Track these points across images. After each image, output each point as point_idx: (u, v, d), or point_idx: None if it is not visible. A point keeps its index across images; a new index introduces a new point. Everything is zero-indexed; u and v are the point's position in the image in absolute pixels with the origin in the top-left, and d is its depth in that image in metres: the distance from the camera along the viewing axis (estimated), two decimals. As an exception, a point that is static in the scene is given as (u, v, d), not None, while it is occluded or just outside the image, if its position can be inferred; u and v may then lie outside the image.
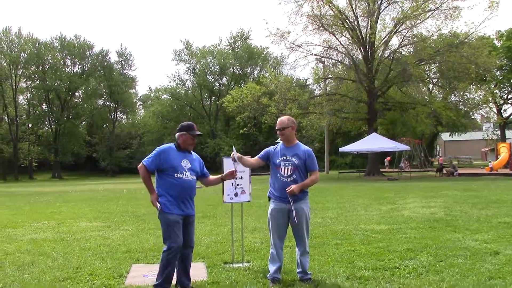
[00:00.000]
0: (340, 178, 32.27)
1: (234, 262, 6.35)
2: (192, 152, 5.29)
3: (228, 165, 6.15)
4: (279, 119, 5.46)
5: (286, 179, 5.23)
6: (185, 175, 5.00)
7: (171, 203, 4.93)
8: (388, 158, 46.33)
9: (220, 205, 12.87)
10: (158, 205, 4.93)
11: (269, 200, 5.43)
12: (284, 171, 5.25)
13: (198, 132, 5.20)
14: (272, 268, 5.33)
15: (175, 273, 5.10)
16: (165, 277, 4.88)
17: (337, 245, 7.31)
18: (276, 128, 5.42)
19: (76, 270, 6.18)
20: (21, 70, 62.46)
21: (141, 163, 5.03)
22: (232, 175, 5.37)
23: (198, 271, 5.87)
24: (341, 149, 34.36)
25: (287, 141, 5.37)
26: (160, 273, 4.90)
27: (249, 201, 6.44)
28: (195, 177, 5.16)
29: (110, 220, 11.63)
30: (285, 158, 5.27)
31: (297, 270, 5.37)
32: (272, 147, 5.54)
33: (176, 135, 5.18)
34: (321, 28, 34.20)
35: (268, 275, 5.35)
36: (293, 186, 5.11)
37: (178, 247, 4.89)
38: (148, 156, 5.05)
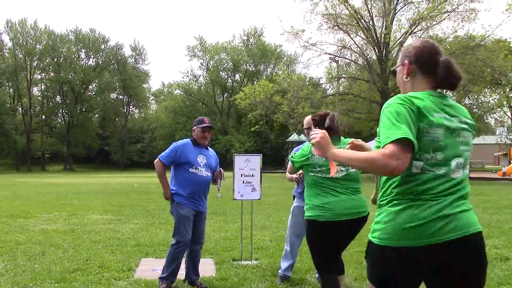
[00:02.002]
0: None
1: (242, 259, 6.36)
2: (209, 148, 5.33)
3: (238, 163, 6.18)
4: (307, 118, 5.34)
5: None
6: (200, 171, 5.03)
7: (184, 198, 4.96)
8: None
9: (230, 202, 12.89)
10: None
11: (294, 199, 5.48)
12: None
13: (206, 124, 5.14)
14: (284, 265, 5.36)
15: (183, 268, 5.14)
16: (171, 271, 4.92)
17: (346, 245, 7.31)
18: (305, 127, 5.26)
19: (86, 262, 6.23)
20: (36, 62, 63.11)
21: (157, 158, 5.07)
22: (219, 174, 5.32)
23: (206, 266, 5.90)
24: (352, 150, 34.21)
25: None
26: (166, 266, 4.94)
27: (259, 198, 6.45)
28: (210, 174, 5.17)
29: (120, 214, 11.71)
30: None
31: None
32: (298, 147, 5.23)
33: (192, 130, 5.25)
34: (336, 27, 34.04)
35: (279, 271, 5.39)
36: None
37: (186, 242, 4.93)
38: (164, 152, 5.09)
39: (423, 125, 2.01)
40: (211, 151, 5.35)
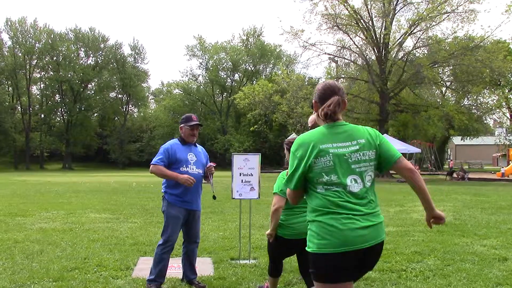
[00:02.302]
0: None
1: (241, 259, 6.36)
2: (197, 145, 5.26)
3: (237, 162, 6.18)
4: (311, 117, 5.35)
5: None
6: (191, 169, 4.96)
7: (177, 197, 4.92)
8: None
9: (228, 201, 12.90)
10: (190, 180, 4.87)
11: None
12: None
13: (194, 122, 5.06)
14: None
15: (173, 268, 5.12)
16: (159, 271, 4.90)
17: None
18: (310, 126, 5.30)
19: (84, 260, 6.23)
20: (35, 61, 63.08)
21: (151, 165, 4.93)
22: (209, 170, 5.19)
23: (205, 266, 5.90)
24: (351, 150, 34.19)
25: None
26: (153, 267, 4.91)
27: (257, 198, 6.44)
28: (201, 171, 5.09)
29: (118, 212, 11.70)
30: None
31: None
32: None
33: (179, 128, 5.19)
34: (335, 27, 34.09)
35: None
36: None
37: (173, 243, 4.91)
38: (155, 158, 4.96)
39: (311, 157, 2.58)
40: (199, 147, 5.28)
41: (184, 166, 4.94)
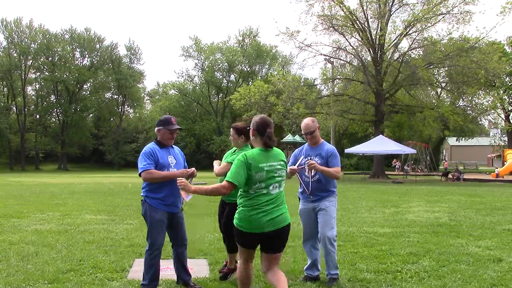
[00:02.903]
0: (345, 180, 32.20)
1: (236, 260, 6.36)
2: (174, 146, 5.19)
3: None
4: (304, 123, 5.40)
5: (309, 179, 5.30)
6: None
7: (160, 201, 4.86)
8: (397, 161, 46.13)
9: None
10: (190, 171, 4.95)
11: (299, 200, 5.56)
12: (308, 171, 5.29)
13: (176, 126, 5.03)
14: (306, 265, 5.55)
15: (164, 270, 5.11)
16: (151, 276, 4.88)
17: (340, 246, 7.28)
18: (303, 132, 5.42)
19: (80, 262, 6.22)
20: (31, 61, 62.89)
21: (143, 172, 4.77)
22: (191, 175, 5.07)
23: (200, 267, 5.90)
24: (346, 151, 34.27)
25: (316, 142, 5.41)
26: (145, 273, 4.89)
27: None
28: None
29: (114, 214, 11.68)
30: (309, 158, 5.29)
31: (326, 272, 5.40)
32: (298, 149, 5.62)
33: (155, 130, 5.05)
34: (331, 28, 34.11)
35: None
36: (314, 163, 5.16)
37: (159, 246, 4.88)
38: (142, 164, 4.79)
39: (252, 171, 3.89)
40: (176, 149, 5.22)
41: (166, 170, 4.89)
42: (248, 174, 3.87)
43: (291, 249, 6.79)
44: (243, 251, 4.12)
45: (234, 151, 5.41)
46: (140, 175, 4.82)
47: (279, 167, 4.04)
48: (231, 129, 5.35)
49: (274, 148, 4.08)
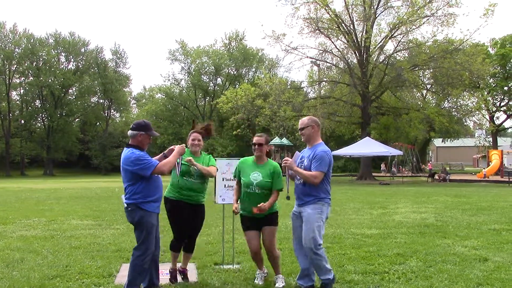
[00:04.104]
0: (332, 182, 32.05)
1: (224, 264, 6.36)
2: None
3: (220, 167, 6.17)
4: (300, 119, 5.37)
5: (297, 181, 5.20)
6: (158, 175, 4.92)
7: (153, 204, 4.81)
8: (385, 165, 46.36)
9: (211, 206, 12.83)
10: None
11: None
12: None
13: (157, 134, 5.09)
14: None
15: (164, 274, 5.08)
16: (148, 279, 4.83)
17: (328, 248, 7.31)
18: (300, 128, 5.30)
19: (66, 268, 6.17)
20: (15, 66, 62.25)
21: (157, 169, 4.73)
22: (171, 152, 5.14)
23: (188, 271, 5.87)
24: (333, 153, 34.02)
25: (308, 141, 5.20)
26: (133, 279, 4.72)
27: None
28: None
29: (101, 219, 11.59)
30: (301, 160, 5.19)
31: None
32: (303, 150, 5.49)
33: (131, 133, 4.88)
34: (317, 31, 34.29)
35: None
36: (287, 161, 5.14)
37: (152, 251, 4.81)
38: (142, 164, 4.70)
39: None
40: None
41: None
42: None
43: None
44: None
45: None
46: (151, 174, 4.71)
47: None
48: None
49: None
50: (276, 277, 5.37)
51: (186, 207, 5.45)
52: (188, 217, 5.47)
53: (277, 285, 5.25)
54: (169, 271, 5.56)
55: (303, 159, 5.17)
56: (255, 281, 5.41)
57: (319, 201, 5.01)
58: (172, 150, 5.17)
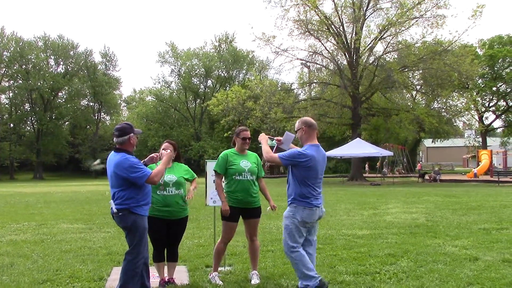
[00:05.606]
0: (323, 183, 32.35)
1: (216, 266, 6.33)
2: None
3: (211, 169, 6.16)
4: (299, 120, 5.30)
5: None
6: None
7: (145, 207, 4.76)
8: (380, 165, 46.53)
9: (202, 208, 12.83)
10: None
11: None
12: None
13: (141, 131, 5.10)
14: None
15: (155, 277, 5.04)
16: (131, 287, 4.67)
17: (319, 249, 7.30)
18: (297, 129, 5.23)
19: (56, 272, 6.12)
20: (4, 69, 61.89)
21: (149, 179, 4.62)
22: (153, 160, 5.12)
23: (180, 274, 5.85)
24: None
25: (303, 144, 5.11)
26: (125, 283, 4.64)
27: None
28: None
29: (91, 222, 11.53)
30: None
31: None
32: None
33: (122, 140, 4.81)
34: (307, 33, 34.37)
35: None
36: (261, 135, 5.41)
37: (144, 255, 4.75)
38: (138, 171, 4.59)
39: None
40: None
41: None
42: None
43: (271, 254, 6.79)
44: None
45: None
46: (143, 182, 4.63)
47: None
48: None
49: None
50: (252, 273, 5.48)
51: (166, 223, 5.37)
52: (168, 230, 5.41)
53: (252, 281, 5.33)
54: (159, 283, 5.44)
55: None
56: (252, 281, 5.39)
57: (292, 203, 4.94)
58: (152, 157, 5.10)
